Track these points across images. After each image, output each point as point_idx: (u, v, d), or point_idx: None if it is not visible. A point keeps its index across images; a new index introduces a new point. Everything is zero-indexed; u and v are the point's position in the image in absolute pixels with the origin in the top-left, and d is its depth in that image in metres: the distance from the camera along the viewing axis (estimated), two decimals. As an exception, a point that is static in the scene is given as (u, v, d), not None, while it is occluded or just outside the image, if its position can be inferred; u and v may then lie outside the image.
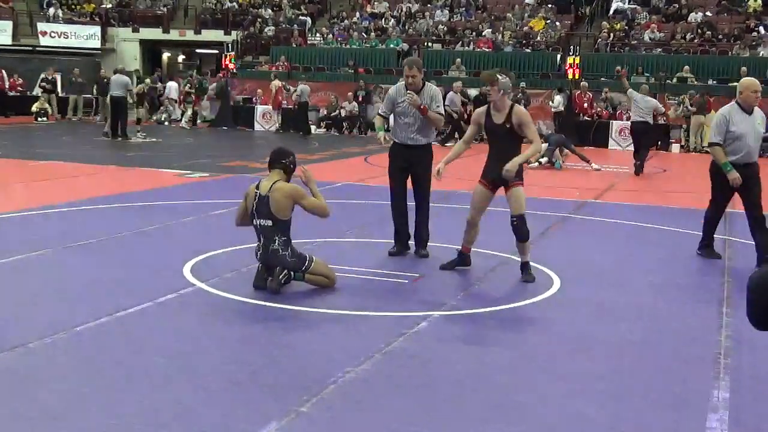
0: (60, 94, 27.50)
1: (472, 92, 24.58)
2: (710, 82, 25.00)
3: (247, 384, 4.51)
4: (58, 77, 27.74)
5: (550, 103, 24.35)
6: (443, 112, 8.14)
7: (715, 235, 8.50)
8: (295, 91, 25.18)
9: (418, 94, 7.74)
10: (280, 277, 6.40)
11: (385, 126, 8.12)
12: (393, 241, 8.04)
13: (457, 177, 9.52)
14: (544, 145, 16.06)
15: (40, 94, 26.79)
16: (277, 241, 6.41)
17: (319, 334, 5.51)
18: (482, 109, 7.16)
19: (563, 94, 24.01)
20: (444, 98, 12.71)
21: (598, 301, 6.56)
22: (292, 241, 6.54)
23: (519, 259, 7.17)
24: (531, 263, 7.12)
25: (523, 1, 31.27)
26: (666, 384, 4.76)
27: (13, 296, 6.21)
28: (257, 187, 6.53)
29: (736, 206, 12.07)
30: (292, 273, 6.49)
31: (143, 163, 15.40)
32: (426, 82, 7.94)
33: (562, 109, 23.83)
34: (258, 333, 5.48)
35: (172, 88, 26.88)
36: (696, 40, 27.26)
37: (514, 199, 6.95)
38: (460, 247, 7.41)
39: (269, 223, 6.41)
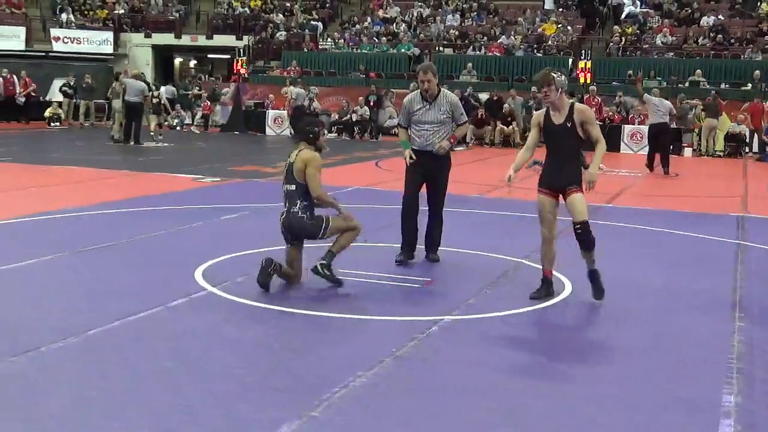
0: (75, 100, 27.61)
1: (483, 96, 24.57)
2: (723, 85, 24.92)
3: (257, 388, 4.52)
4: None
5: None
6: (466, 119, 8.13)
7: (726, 240, 8.45)
8: (287, 94, 25.17)
9: (434, 101, 7.71)
10: (269, 270, 6.57)
11: (408, 138, 7.93)
12: (401, 252, 7.86)
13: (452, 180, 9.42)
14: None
15: (61, 99, 26.97)
16: (298, 205, 6.75)
17: (330, 338, 5.52)
18: (541, 111, 6.79)
19: (575, 99, 23.97)
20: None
21: (609, 305, 6.54)
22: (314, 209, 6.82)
23: (531, 264, 7.14)
24: (539, 267, 7.08)
25: (535, 5, 31.28)
26: (678, 389, 4.73)
27: (25, 300, 6.23)
28: (289, 156, 6.92)
29: (750, 210, 12.04)
30: (279, 266, 6.66)
31: (155, 167, 15.45)
32: (441, 89, 7.86)
33: None
34: (269, 337, 5.49)
35: (167, 91, 26.60)
36: (708, 44, 27.17)
37: (576, 205, 6.56)
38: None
39: (293, 187, 6.77)
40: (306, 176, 6.72)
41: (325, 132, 7.04)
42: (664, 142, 17.20)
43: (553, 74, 6.51)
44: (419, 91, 7.87)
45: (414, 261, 7.80)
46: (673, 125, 23.37)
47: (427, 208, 7.98)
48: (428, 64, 8.10)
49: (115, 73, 25.21)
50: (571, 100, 6.75)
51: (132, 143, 20.51)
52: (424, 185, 7.97)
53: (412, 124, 7.86)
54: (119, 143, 20.64)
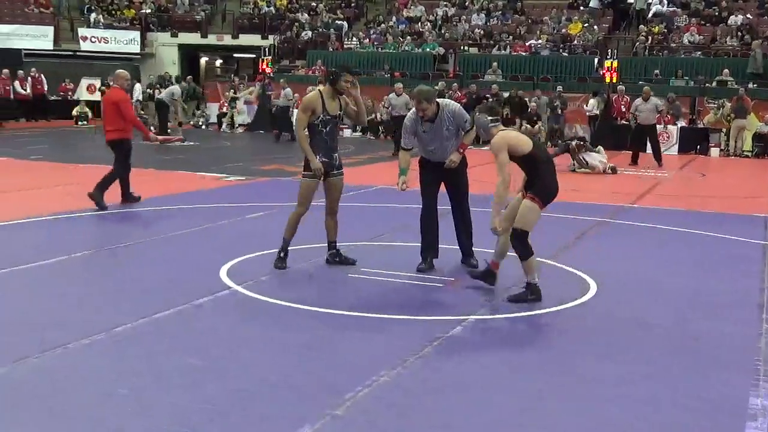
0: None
1: (505, 94, 24.43)
2: (751, 85, 24.65)
3: (280, 386, 4.53)
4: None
5: (585, 106, 24.21)
6: (470, 125, 7.38)
7: (752, 240, 8.36)
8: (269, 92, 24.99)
9: (437, 119, 7.30)
10: (281, 253, 7.26)
11: (408, 164, 7.51)
12: (422, 259, 7.55)
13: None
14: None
15: (89, 98, 27.39)
16: None
17: (353, 337, 5.52)
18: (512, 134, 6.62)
19: (598, 98, 23.87)
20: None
21: (634, 306, 6.50)
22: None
23: (556, 264, 7.11)
24: (568, 268, 7.05)
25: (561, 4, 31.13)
26: (703, 391, 4.70)
27: (53, 297, 6.30)
28: None
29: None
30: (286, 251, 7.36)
31: (181, 166, 15.54)
32: (439, 103, 7.38)
33: (597, 112, 23.71)
34: (292, 336, 5.50)
35: (173, 92, 24.74)
36: (736, 43, 26.90)
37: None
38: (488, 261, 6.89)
39: None
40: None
41: (347, 77, 7.16)
42: (653, 139, 19.24)
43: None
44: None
45: (436, 260, 7.72)
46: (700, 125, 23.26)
47: (452, 215, 7.71)
48: (421, 90, 7.40)
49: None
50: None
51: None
52: (445, 191, 7.68)
53: (421, 145, 7.52)
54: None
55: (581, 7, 30.76)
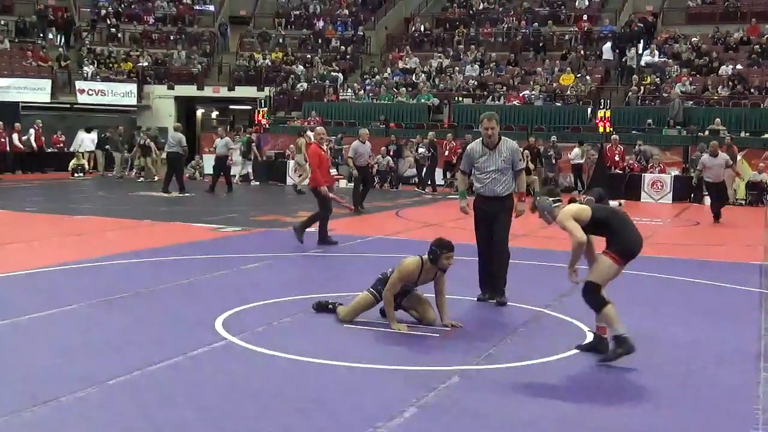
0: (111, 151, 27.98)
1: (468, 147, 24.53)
2: (743, 134, 24.87)
3: (277, 439, 4.48)
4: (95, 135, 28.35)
5: (569, 155, 24.43)
6: (523, 166, 8.44)
7: (749, 288, 8.38)
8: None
9: (496, 147, 8.12)
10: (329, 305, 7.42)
11: (466, 185, 8.58)
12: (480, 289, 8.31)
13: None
14: None
15: (88, 149, 27.61)
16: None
17: (350, 388, 5.48)
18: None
19: (584, 147, 24.12)
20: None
21: (633, 355, 6.46)
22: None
23: (551, 313, 7.10)
24: (563, 317, 7.04)
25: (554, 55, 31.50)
26: (703, 441, 4.66)
27: (46, 350, 6.25)
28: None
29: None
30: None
31: (176, 217, 15.55)
32: (501, 136, 8.24)
33: (581, 161, 24.11)
34: (288, 387, 5.46)
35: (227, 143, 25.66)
36: (727, 93, 27.20)
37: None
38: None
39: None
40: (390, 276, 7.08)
41: (446, 255, 7.03)
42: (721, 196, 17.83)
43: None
44: (481, 139, 8.27)
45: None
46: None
47: (493, 250, 8.22)
48: (491, 112, 8.39)
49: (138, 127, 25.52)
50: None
51: (174, 194, 20.75)
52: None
53: (475, 171, 8.27)
54: (164, 194, 20.76)
55: (585, 60, 30.99)
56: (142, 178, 25.54)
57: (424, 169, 24.96)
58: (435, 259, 7.01)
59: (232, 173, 25.88)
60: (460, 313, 7.70)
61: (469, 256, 8.74)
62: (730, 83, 27.40)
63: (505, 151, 8.14)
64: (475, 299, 8.28)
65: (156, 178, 24.79)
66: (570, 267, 6.39)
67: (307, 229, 11.84)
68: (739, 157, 22.50)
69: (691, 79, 28.25)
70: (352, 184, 24.09)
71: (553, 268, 9.95)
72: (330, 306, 7.48)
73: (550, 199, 6.60)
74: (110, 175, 27.08)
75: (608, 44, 29.98)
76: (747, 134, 24.97)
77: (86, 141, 28.56)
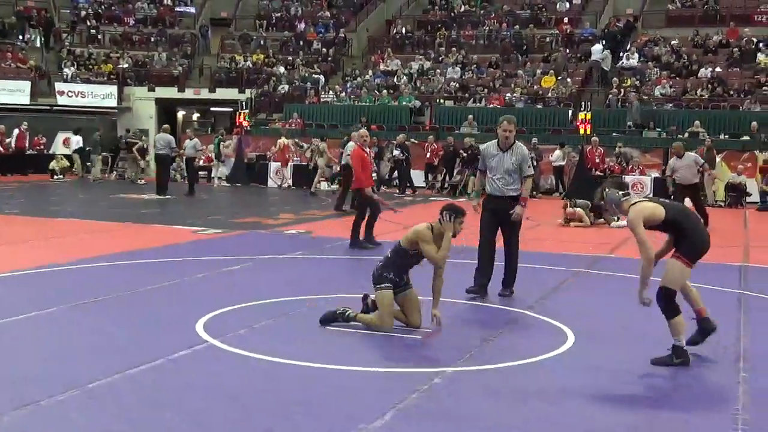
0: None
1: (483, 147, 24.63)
2: (722, 136, 25.06)
3: (259, 441, 4.47)
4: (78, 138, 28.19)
5: (550, 157, 24.57)
6: (531, 173, 8.82)
7: (728, 289, 8.43)
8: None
9: (508, 150, 8.53)
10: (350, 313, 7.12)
11: (479, 186, 9.05)
12: (474, 283, 8.53)
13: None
14: None
15: (67, 152, 27.42)
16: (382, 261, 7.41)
17: (332, 391, 5.47)
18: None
19: (564, 149, 24.28)
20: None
21: (612, 357, 6.50)
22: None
23: (533, 315, 7.12)
24: (545, 318, 7.07)
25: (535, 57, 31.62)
26: (683, 441, 4.69)
27: (26, 353, 6.21)
28: None
29: (752, 260, 12.02)
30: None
31: (157, 220, 15.48)
32: (516, 140, 8.66)
33: (562, 163, 24.35)
34: (270, 390, 5.45)
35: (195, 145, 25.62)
36: (707, 95, 27.40)
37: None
38: None
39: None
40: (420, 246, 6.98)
41: (459, 220, 6.99)
42: (695, 199, 16.79)
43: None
44: (496, 141, 8.69)
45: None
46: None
47: (503, 248, 8.68)
48: (511, 116, 8.89)
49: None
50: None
51: (163, 196, 20.73)
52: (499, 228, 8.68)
53: (488, 170, 8.67)
54: (159, 197, 20.69)
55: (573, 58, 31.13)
56: (132, 179, 25.62)
57: (399, 171, 25.04)
58: (449, 220, 6.92)
59: (219, 175, 26.04)
60: (442, 314, 7.71)
61: (451, 258, 8.75)
62: (710, 86, 27.61)
63: (516, 155, 8.53)
64: (456, 301, 8.29)
65: (141, 182, 24.80)
66: (641, 289, 6.30)
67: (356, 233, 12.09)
68: (718, 159, 22.68)
69: (670, 81, 28.44)
70: (336, 185, 24.16)
71: (536, 269, 9.99)
72: (339, 315, 7.10)
73: (620, 192, 6.44)
74: (90, 177, 26.91)
75: (598, 45, 30.07)
76: (726, 136, 25.16)
77: (73, 142, 28.35)
